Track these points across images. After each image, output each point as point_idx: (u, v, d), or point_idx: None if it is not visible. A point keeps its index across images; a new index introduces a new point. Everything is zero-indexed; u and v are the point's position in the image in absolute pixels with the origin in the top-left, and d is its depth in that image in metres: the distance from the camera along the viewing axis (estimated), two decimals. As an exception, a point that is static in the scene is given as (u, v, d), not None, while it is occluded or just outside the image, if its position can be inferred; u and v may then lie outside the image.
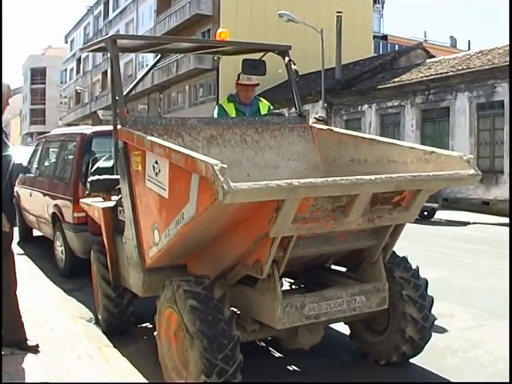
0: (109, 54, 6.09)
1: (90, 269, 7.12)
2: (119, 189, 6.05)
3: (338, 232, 4.73)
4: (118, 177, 5.99)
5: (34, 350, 5.55)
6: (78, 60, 71.28)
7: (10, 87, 5.65)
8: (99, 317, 6.73)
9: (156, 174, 4.80)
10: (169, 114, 41.90)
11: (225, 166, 3.75)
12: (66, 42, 78.04)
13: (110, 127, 9.58)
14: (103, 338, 6.33)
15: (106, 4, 62.12)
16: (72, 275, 9.21)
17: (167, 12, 45.61)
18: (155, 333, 5.13)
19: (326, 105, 27.45)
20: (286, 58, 6.63)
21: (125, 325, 6.51)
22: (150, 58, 43.76)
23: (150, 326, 6.67)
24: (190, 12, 41.71)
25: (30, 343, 5.61)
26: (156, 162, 4.78)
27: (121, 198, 5.85)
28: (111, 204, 6.32)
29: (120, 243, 5.97)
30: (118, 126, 5.67)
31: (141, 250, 5.36)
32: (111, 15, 60.09)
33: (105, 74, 59.64)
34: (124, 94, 5.98)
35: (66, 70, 77.42)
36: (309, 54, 31.62)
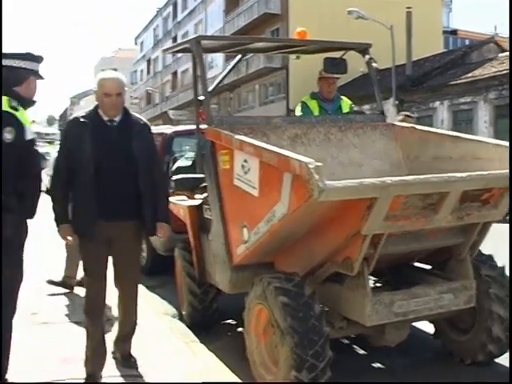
0: (186, 55, 6.18)
1: (171, 266, 7.25)
2: (203, 187, 6.16)
3: (428, 229, 4.73)
4: (201, 175, 6.09)
5: (135, 366, 5.30)
6: (148, 61, 72.36)
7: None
8: (183, 313, 6.83)
9: (245, 173, 4.87)
10: (239, 114, 42.05)
11: (319, 164, 3.81)
12: (136, 44, 79.35)
13: (188, 127, 9.76)
14: (189, 333, 6.38)
15: (175, 5, 62.77)
16: (153, 272, 9.36)
17: (236, 11, 45.82)
18: (241, 329, 5.20)
19: (397, 102, 27.17)
20: (367, 56, 6.63)
21: (209, 321, 6.59)
22: (218, 59, 44.08)
23: (234, 322, 6.77)
24: (259, 11, 41.82)
25: (132, 360, 5.35)
26: (245, 161, 4.85)
27: (207, 196, 5.95)
28: (197, 202, 6.43)
29: (206, 241, 6.07)
30: (203, 126, 5.77)
31: (228, 247, 5.43)
32: (180, 16, 60.68)
33: (175, 74, 60.40)
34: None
35: (136, 71, 78.58)
36: (378, 50, 31.03)
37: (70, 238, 4.94)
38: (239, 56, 7.54)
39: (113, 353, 5.39)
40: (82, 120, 4.91)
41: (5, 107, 4.19)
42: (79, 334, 5.22)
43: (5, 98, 4.25)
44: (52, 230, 5.01)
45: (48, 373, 5.10)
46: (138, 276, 5.43)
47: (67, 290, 7.83)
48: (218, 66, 43.87)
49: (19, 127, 4.20)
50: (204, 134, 5.75)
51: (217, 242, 5.66)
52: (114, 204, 4.87)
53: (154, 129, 10.88)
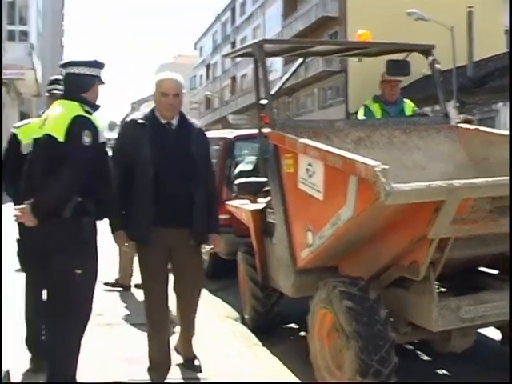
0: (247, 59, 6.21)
1: (234, 270, 7.29)
2: (266, 191, 6.17)
3: (495, 233, 4.63)
4: (264, 179, 6.11)
5: (199, 370, 5.25)
6: (207, 66, 72.99)
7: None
8: (246, 316, 6.86)
9: (310, 176, 4.87)
10: (298, 118, 42.00)
11: (386, 167, 3.79)
12: (195, 49, 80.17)
13: (249, 131, 9.79)
14: (252, 337, 6.41)
15: (233, 10, 63.14)
16: (215, 276, 9.40)
17: (294, 15, 45.79)
18: (303, 333, 5.19)
19: (458, 104, 26.70)
20: (430, 58, 6.58)
21: (271, 325, 6.60)
22: (277, 63, 44.05)
23: (296, 326, 6.76)
24: (316, 15, 41.69)
25: (196, 363, 5.29)
26: (310, 164, 4.85)
27: (270, 200, 5.96)
28: (260, 206, 6.45)
29: (269, 245, 6.09)
30: (266, 129, 5.78)
31: (292, 251, 5.43)
32: (238, 21, 61.01)
33: (233, 79, 60.71)
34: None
35: (195, 76, 79.25)
36: (438, 52, 30.52)
37: (126, 244, 4.94)
38: (300, 60, 7.54)
39: (175, 349, 5.38)
40: (139, 122, 4.88)
41: (80, 112, 4.29)
42: (143, 336, 5.26)
43: (77, 104, 4.35)
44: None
45: (114, 373, 5.18)
46: (201, 282, 5.29)
47: (131, 292, 7.94)
48: (277, 70, 43.85)
49: (94, 131, 4.29)
50: (267, 138, 5.77)
51: (280, 245, 5.66)
52: (171, 210, 4.80)
53: (216, 133, 11.05)
